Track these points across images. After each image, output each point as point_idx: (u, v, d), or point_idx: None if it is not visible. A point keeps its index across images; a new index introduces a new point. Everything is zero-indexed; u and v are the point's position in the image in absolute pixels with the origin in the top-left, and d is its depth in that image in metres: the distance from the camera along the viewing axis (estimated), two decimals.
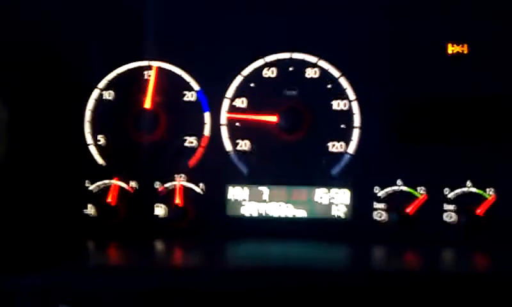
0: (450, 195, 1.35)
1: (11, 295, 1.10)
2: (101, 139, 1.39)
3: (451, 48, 1.35)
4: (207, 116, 1.38)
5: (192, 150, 1.38)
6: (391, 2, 1.33)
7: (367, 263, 1.29)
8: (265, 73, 1.37)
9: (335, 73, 1.36)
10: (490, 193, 1.35)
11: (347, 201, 1.36)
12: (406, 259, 1.29)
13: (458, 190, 1.35)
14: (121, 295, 1.12)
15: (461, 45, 1.36)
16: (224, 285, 1.14)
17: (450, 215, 1.35)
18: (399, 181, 1.36)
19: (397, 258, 1.30)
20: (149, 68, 1.38)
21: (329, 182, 1.37)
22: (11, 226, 1.18)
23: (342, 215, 1.37)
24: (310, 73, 1.37)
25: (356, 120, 1.36)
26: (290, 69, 1.37)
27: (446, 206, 1.35)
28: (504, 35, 1.35)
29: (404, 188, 1.36)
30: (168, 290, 1.13)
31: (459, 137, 1.36)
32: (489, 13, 1.35)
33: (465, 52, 1.36)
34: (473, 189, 1.35)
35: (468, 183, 1.35)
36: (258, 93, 1.37)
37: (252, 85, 1.37)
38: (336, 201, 1.36)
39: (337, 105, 1.37)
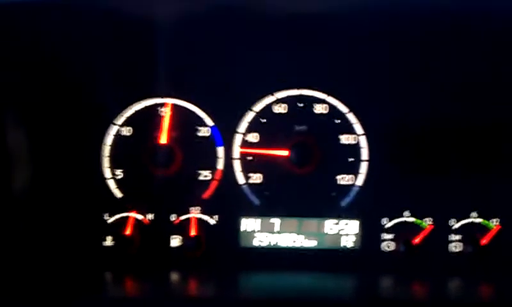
0: (456, 225, 1.38)
1: None
2: (119, 173, 1.43)
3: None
4: (220, 150, 1.42)
5: (207, 183, 1.42)
6: (395, 43, 1.35)
7: (375, 292, 1.32)
8: (276, 109, 1.41)
9: (343, 109, 1.40)
10: (495, 223, 1.38)
11: (356, 231, 1.40)
12: (413, 288, 1.32)
13: (464, 221, 1.38)
14: None
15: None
16: None
17: (456, 245, 1.38)
18: (406, 213, 1.39)
19: (404, 288, 1.32)
20: (164, 105, 1.42)
21: (339, 214, 1.40)
22: (31, 257, 1.23)
23: (351, 246, 1.40)
24: (319, 109, 1.41)
25: (364, 154, 1.40)
26: (300, 105, 1.41)
27: (452, 237, 1.38)
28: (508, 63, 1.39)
29: (412, 219, 1.39)
30: None
31: (465, 169, 1.39)
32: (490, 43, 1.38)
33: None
34: (479, 220, 1.38)
35: (474, 213, 1.38)
36: (270, 128, 1.41)
37: (263, 120, 1.41)
38: (346, 231, 1.40)
39: (346, 139, 1.40)
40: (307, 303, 1.19)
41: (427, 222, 1.39)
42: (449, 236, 1.39)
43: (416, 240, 1.38)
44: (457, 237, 1.39)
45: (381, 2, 1.18)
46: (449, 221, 1.39)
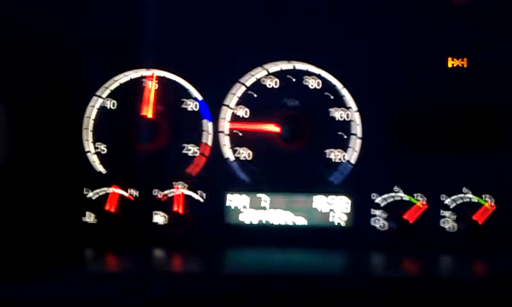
0: (448, 202, 1.38)
1: (11, 303, 1.09)
2: (103, 148, 1.39)
3: (451, 62, 1.38)
4: (209, 125, 1.39)
5: (194, 159, 1.39)
6: (392, 16, 1.35)
7: (366, 269, 1.31)
8: (267, 83, 1.39)
9: (337, 83, 1.38)
10: (487, 199, 1.37)
11: (347, 208, 1.38)
12: (404, 265, 1.31)
13: (456, 197, 1.37)
14: (119, 301, 1.12)
15: (460, 59, 1.39)
16: (223, 291, 1.14)
17: (447, 221, 1.38)
18: (397, 189, 1.38)
19: (395, 265, 1.32)
20: (150, 77, 1.39)
21: (329, 190, 1.38)
22: (11, 232, 1.18)
23: (341, 223, 1.38)
24: (312, 83, 1.39)
25: (358, 130, 1.38)
26: (292, 79, 1.39)
27: (444, 213, 1.38)
28: (501, 49, 1.39)
29: (403, 195, 1.38)
30: (167, 296, 1.13)
31: (457, 146, 1.39)
32: (488, 28, 1.38)
33: (465, 65, 1.39)
34: (471, 195, 1.37)
35: (466, 190, 1.38)
36: (260, 102, 1.39)
37: (254, 95, 1.39)
38: (336, 208, 1.38)
39: (338, 115, 1.39)
40: (296, 279, 1.16)
41: (419, 198, 1.37)
42: (441, 212, 1.38)
43: (408, 217, 1.36)
44: (449, 214, 1.38)
45: None
46: (441, 197, 1.38)
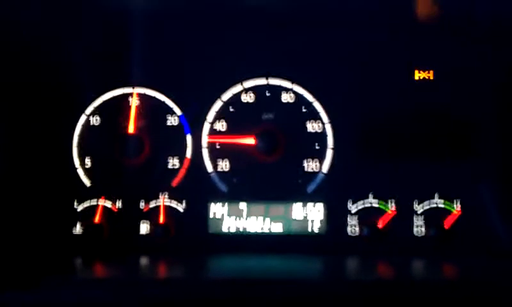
0: (419, 209, 1.43)
1: None
2: (88, 162, 1.45)
3: (418, 75, 1.44)
4: (189, 138, 1.45)
5: (175, 171, 1.45)
6: (361, 33, 1.41)
7: (341, 273, 1.35)
8: (244, 98, 1.45)
9: (309, 97, 1.44)
10: (456, 205, 1.43)
11: (322, 216, 1.44)
12: (377, 269, 1.36)
13: (425, 203, 1.43)
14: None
15: (427, 72, 1.45)
16: (205, 295, 1.19)
17: (419, 228, 1.43)
18: (370, 197, 1.44)
19: (369, 269, 1.36)
20: (131, 94, 1.45)
21: (305, 199, 1.44)
22: (4, 243, 1.24)
23: (317, 230, 1.44)
24: (286, 97, 1.45)
25: (330, 141, 1.44)
26: (267, 94, 1.45)
27: (415, 220, 1.43)
28: (466, 61, 1.45)
29: (375, 203, 1.44)
30: (152, 300, 1.19)
31: (425, 154, 1.45)
32: (454, 41, 1.44)
33: (431, 78, 1.45)
34: (440, 201, 1.43)
35: (436, 196, 1.43)
36: (237, 116, 1.45)
37: (231, 109, 1.45)
38: (311, 216, 1.44)
39: (311, 127, 1.45)
40: (274, 283, 1.21)
41: (391, 206, 1.43)
42: (412, 219, 1.43)
43: (380, 224, 1.42)
44: (420, 220, 1.43)
45: None
46: (412, 205, 1.43)
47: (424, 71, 1.44)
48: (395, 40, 1.44)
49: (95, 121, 1.46)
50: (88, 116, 1.46)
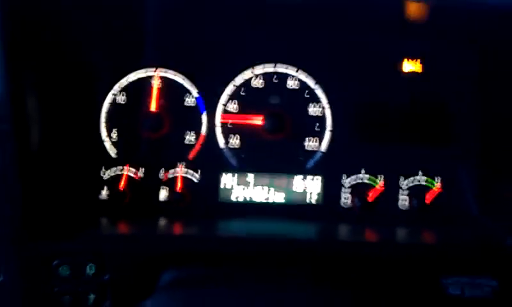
0: (404, 185, 1.62)
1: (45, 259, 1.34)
2: (114, 135, 1.61)
3: (407, 66, 1.62)
4: (204, 117, 1.62)
5: (191, 146, 1.61)
6: (357, 29, 1.57)
7: (334, 235, 1.52)
8: (254, 83, 1.62)
9: (311, 83, 1.61)
10: (437, 182, 1.62)
11: (319, 189, 1.62)
12: (366, 234, 1.52)
13: (410, 179, 1.61)
14: (130, 256, 1.36)
15: (415, 63, 1.63)
16: (216, 249, 1.38)
17: (403, 202, 1.61)
18: (362, 173, 1.62)
19: (359, 233, 1.53)
20: (154, 76, 1.61)
21: (305, 173, 1.61)
22: (43, 204, 1.40)
23: (314, 201, 1.62)
24: (291, 84, 1.61)
25: (328, 123, 1.62)
26: (275, 80, 1.61)
27: (400, 195, 1.61)
28: (449, 55, 1.62)
29: (366, 179, 1.62)
30: (170, 253, 1.37)
31: (412, 137, 1.61)
32: (441, 34, 1.61)
33: (419, 70, 1.62)
34: (423, 178, 1.61)
35: (420, 173, 1.61)
36: (247, 99, 1.61)
37: (242, 93, 1.61)
38: (310, 188, 1.61)
39: (313, 111, 1.61)
40: (276, 241, 1.39)
41: (380, 181, 1.61)
42: (398, 193, 1.61)
43: (370, 196, 1.59)
44: (405, 195, 1.61)
45: None
46: (399, 180, 1.60)
47: (412, 62, 1.61)
48: (387, 35, 1.60)
49: (121, 99, 1.61)
50: (115, 94, 1.61)
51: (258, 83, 1.61)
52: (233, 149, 1.62)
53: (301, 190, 1.62)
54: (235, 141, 1.62)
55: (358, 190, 1.61)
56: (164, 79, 1.62)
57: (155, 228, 1.51)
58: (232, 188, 1.62)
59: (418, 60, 1.62)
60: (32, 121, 1.38)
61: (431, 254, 1.39)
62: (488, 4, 1.30)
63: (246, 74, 1.61)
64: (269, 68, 1.62)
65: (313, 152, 1.62)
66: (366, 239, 1.49)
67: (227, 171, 1.62)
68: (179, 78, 1.62)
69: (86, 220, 1.49)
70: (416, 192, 1.61)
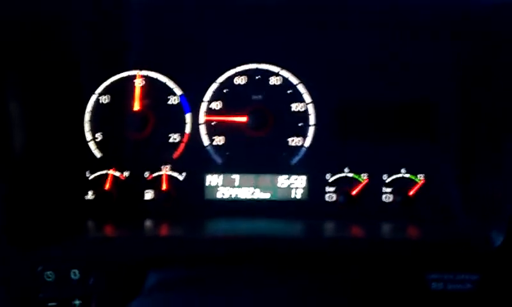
0: (388, 179, 1.63)
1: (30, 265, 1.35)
2: (98, 136, 1.62)
3: (388, 64, 1.62)
4: (188, 116, 1.62)
5: (176, 145, 1.62)
6: (339, 23, 1.57)
7: (319, 232, 1.54)
8: (236, 81, 1.62)
9: (294, 80, 1.61)
10: (420, 178, 1.64)
11: (304, 185, 1.63)
12: (350, 230, 1.54)
13: (394, 176, 1.63)
14: (116, 260, 1.38)
15: (396, 56, 1.62)
16: (203, 250, 1.40)
17: (387, 196, 1.63)
18: (346, 169, 1.62)
19: (344, 229, 1.54)
20: (136, 76, 1.60)
21: (289, 170, 1.62)
22: (27, 208, 1.41)
23: (300, 197, 1.63)
24: (273, 81, 1.61)
25: (312, 119, 1.62)
26: (257, 77, 1.62)
27: (384, 189, 1.62)
28: (427, 54, 1.61)
29: (350, 174, 1.63)
30: (156, 256, 1.38)
31: (395, 134, 1.62)
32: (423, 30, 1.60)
33: (400, 68, 1.62)
34: (407, 175, 1.63)
35: (403, 170, 1.63)
36: (231, 97, 1.61)
37: (225, 91, 1.62)
38: (295, 185, 1.63)
39: (296, 107, 1.61)
40: (262, 239, 1.40)
41: (364, 177, 1.62)
42: (382, 188, 1.62)
43: (354, 192, 1.61)
44: (389, 189, 1.62)
45: None
46: (382, 176, 1.61)
47: (393, 63, 1.61)
48: (369, 32, 1.59)
49: (105, 99, 1.61)
50: (98, 95, 1.61)
51: (241, 80, 1.62)
52: (217, 147, 1.63)
53: (286, 186, 1.62)
54: (219, 139, 1.63)
55: (342, 184, 1.62)
56: (147, 79, 1.62)
57: (141, 231, 1.52)
58: (217, 187, 1.62)
59: (400, 57, 1.61)
60: (16, 124, 1.39)
61: (416, 251, 1.40)
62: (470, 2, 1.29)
63: (229, 72, 1.61)
64: (251, 66, 1.62)
65: (297, 148, 1.63)
66: (351, 236, 1.51)
67: (212, 171, 1.62)
68: (162, 77, 1.62)
69: (71, 224, 1.51)
70: (400, 186, 1.62)
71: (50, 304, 1.34)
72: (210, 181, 1.63)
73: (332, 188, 1.63)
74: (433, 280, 1.39)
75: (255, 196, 1.63)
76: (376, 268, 1.41)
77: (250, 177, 1.63)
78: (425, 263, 1.40)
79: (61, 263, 1.36)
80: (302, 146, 1.63)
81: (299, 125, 1.62)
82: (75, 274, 1.35)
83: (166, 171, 1.62)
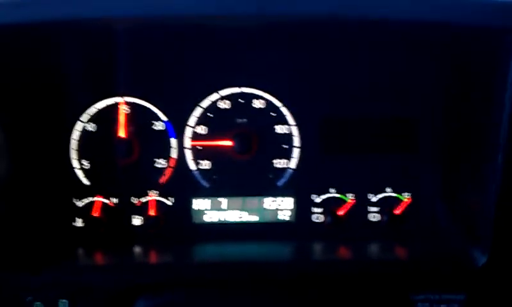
0: (374, 199, 1.64)
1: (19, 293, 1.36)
2: (85, 163, 1.63)
3: (371, 82, 1.62)
4: (173, 141, 1.63)
5: (162, 170, 1.63)
6: (318, 43, 1.58)
7: (307, 255, 1.56)
8: (220, 105, 1.62)
9: (277, 103, 1.62)
10: (406, 196, 1.64)
11: (291, 207, 1.64)
12: (338, 251, 1.55)
13: (380, 195, 1.64)
14: (105, 289, 1.39)
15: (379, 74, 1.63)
16: (192, 276, 1.42)
17: (374, 215, 1.64)
18: (332, 190, 1.63)
19: (331, 251, 1.56)
20: (121, 103, 1.61)
21: (276, 192, 1.64)
22: (13, 235, 1.42)
23: (287, 219, 1.64)
24: (257, 104, 1.62)
25: (296, 141, 1.63)
26: (241, 101, 1.62)
27: (370, 208, 1.63)
28: (410, 69, 1.62)
29: (337, 195, 1.64)
30: (145, 283, 1.40)
31: (380, 152, 1.63)
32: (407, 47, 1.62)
33: (384, 85, 1.63)
34: (393, 194, 1.64)
35: (388, 189, 1.64)
36: (215, 121, 1.62)
37: (210, 115, 1.63)
38: (282, 207, 1.64)
39: (280, 129, 1.62)
40: (251, 264, 1.42)
41: (350, 196, 1.63)
42: (368, 208, 1.63)
43: (341, 212, 1.62)
44: (375, 209, 1.63)
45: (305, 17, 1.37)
46: (368, 195, 1.62)
47: (376, 81, 1.62)
48: (348, 55, 1.61)
49: (90, 127, 1.62)
50: (84, 122, 1.62)
51: (224, 104, 1.62)
52: (204, 171, 1.64)
53: (273, 208, 1.64)
54: (205, 163, 1.64)
55: (329, 205, 1.63)
56: (131, 105, 1.63)
57: (130, 257, 1.54)
58: (204, 211, 1.64)
59: (383, 73, 1.62)
60: (0, 152, 1.40)
61: (402, 271, 1.41)
62: (451, 23, 1.30)
63: (212, 96, 1.62)
64: (234, 89, 1.62)
65: (283, 170, 1.64)
66: (339, 257, 1.53)
67: (200, 193, 1.64)
68: (146, 104, 1.63)
69: (60, 251, 1.53)
70: (386, 205, 1.63)
71: None
72: (197, 205, 1.64)
73: (319, 209, 1.64)
74: (419, 301, 1.39)
75: (243, 219, 1.64)
76: (362, 288, 1.42)
77: (237, 200, 1.64)
78: (410, 283, 1.41)
79: (49, 292, 1.37)
80: (288, 167, 1.63)
81: (284, 146, 1.63)
82: (64, 304, 1.36)
83: (153, 196, 1.63)
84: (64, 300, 1.37)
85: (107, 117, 1.63)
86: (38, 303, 1.37)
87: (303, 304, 1.43)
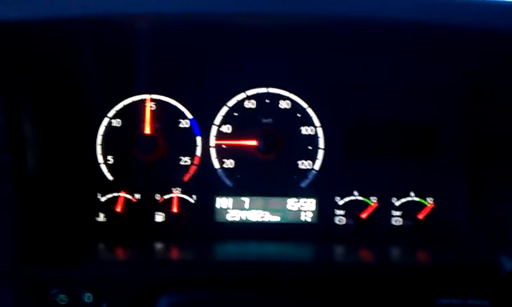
0: (397, 203, 1.64)
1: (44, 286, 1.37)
2: (110, 159, 1.63)
3: (396, 87, 1.63)
4: (199, 139, 1.64)
5: (186, 168, 1.64)
6: (346, 53, 1.58)
7: (329, 257, 1.55)
8: (247, 105, 1.64)
9: (303, 104, 1.63)
10: (429, 201, 1.64)
11: (313, 208, 1.64)
12: (360, 254, 1.55)
13: (403, 199, 1.64)
14: (127, 284, 1.39)
15: (403, 84, 1.63)
16: (213, 274, 1.41)
17: (396, 219, 1.63)
18: (355, 192, 1.63)
19: (353, 253, 1.55)
20: (147, 100, 1.62)
21: (299, 193, 1.64)
22: (40, 228, 1.43)
23: (309, 220, 1.64)
24: (283, 104, 1.63)
25: (321, 143, 1.63)
26: (267, 101, 1.64)
27: (393, 212, 1.63)
28: (431, 75, 1.62)
29: (360, 197, 1.64)
30: (166, 280, 1.40)
31: (404, 156, 1.63)
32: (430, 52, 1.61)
33: (408, 90, 1.63)
34: (416, 198, 1.64)
35: (412, 193, 1.64)
36: (241, 120, 1.63)
37: (236, 114, 1.63)
38: (305, 208, 1.63)
39: (305, 130, 1.63)
40: (272, 264, 1.42)
41: (373, 200, 1.63)
42: (391, 212, 1.62)
43: (364, 215, 1.61)
44: (398, 213, 1.62)
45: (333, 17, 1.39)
46: (391, 199, 1.62)
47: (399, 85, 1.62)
48: (375, 58, 1.60)
49: (117, 123, 1.63)
50: (110, 118, 1.63)
51: (250, 104, 1.63)
52: (228, 170, 1.64)
53: (296, 209, 1.63)
54: (229, 162, 1.64)
55: (352, 208, 1.63)
56: (158, 102, 1.64)
57: (152, 253, 1.54)
58: (227, 209, 1.63)
59: (408, 78, 1.62)
60: (30, 149, 1.42)
61: (426, 275, 1.40)
62: (477, 27, 1.30)
63: (239, 96, 1.63)
64: (261, 90, 1.63)
65: (306, 171, 1.64)
66: (361, 260, 1.52)
67: (223, 192, 1.64)
68: (173, 101, 1.64)
69: (83, 246, 1.53)
70: (409, 209, 1.62)
71: None
72: (220, 204, 1.64)
73: (342, 212, 1.63)
74: (444, 305, 1.39)
75: (265, 219, 1.64)
76: (385, 292, 1.41)
77: (260, 200, 1.64)
78: (434, 287, 1.40)
79: (74, 286, 1.37)
80: (312, 169, 1.63)
81: (309, 148, 1.63)
82: (88, 297, 1.36)
83: (176, 193, 1.63)
84: (88, 294, 1.37)
85: (133, 113, 1.64)
86: (62, 296, 1.37)
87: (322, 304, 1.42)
